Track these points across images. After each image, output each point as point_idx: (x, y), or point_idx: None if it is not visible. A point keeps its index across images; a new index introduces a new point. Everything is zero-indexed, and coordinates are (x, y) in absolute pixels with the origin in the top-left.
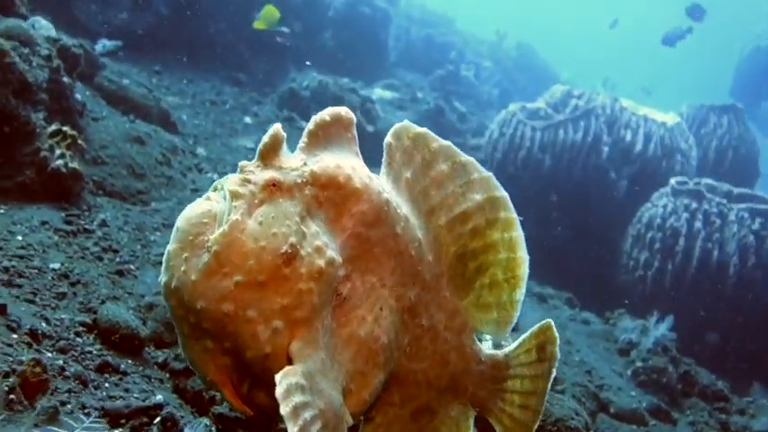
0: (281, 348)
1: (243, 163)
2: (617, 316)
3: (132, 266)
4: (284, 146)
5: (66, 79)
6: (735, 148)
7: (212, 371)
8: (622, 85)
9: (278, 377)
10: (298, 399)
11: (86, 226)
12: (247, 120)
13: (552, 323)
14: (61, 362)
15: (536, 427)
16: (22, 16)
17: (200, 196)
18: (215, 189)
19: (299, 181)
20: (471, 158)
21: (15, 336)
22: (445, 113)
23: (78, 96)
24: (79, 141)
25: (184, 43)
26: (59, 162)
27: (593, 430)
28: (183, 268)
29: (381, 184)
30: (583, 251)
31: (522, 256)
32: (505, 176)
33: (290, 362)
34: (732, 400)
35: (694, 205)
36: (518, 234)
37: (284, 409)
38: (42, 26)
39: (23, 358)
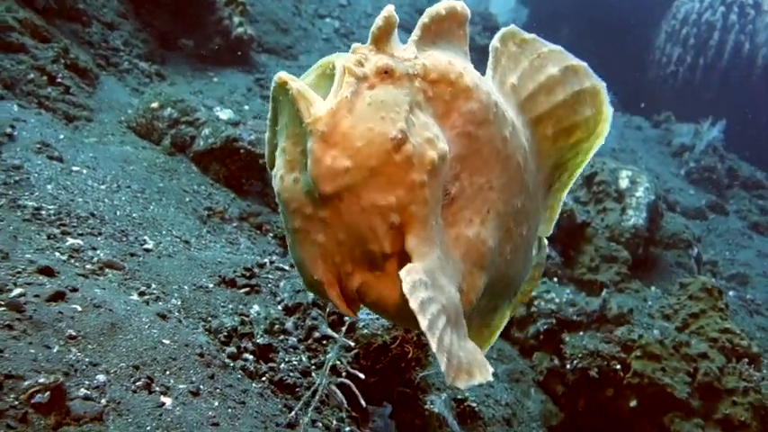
0: (399, 243)
1: (356, 45)
2: (664, 119)
3: None
4: (396, 33)
5: None
6: None
7: (321, 269)
8: None
9: (402, 273)
10: (423, 294)
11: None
12: None
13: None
14: None
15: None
16: None
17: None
18: (325, 67)
19: (411, 72)
20: (584, 64)
21: None
22: None
23: None
24: (248, 7)
25: None
26: (240, 30)
27: (696, 241)
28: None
29: (490, 85)
30: (614, 49)
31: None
32: None
33: (407, 258)
34: None
35: None
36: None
37: (413, 304)
38: None
39: None
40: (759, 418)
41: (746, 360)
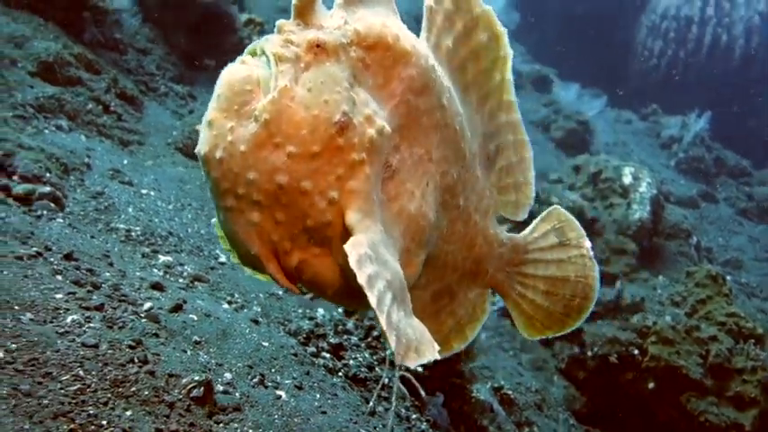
0: (338, 220)
1: (280, 22)
2: (652, 112)
3: None
4: (319, 1)
5: None
6: None
7: (257, 244)
8: None
9: (347, 247)
10: (370, 269)
11: None
12: None
13: (559, 208)
14: None
15: (567, 324)
16: None
17: None
18: (253, 53)
19: (344, 41)
20: (504, 30)
21: None
22: None
23: None
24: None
25: None
26: None
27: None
28: (228, 138)
29: (426, 48)
30: (599, 45)
31: (524, 138)
32: None
33: (348, 234)
34: (753, 174)
35: None
36: (516, 117)
37: (361, 279)
38: None
39: None
40: (767, 394)
41: (753, 341)
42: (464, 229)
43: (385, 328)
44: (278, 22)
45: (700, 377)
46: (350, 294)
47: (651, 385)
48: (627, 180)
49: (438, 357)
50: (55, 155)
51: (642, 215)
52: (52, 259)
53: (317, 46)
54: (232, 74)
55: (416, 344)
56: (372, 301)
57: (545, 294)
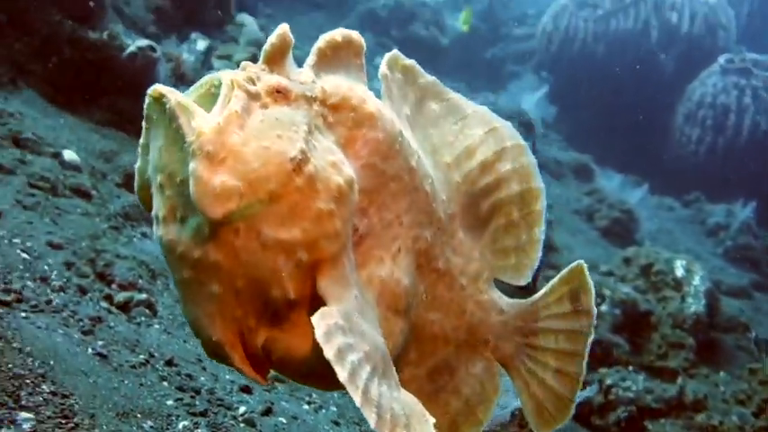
0: (307, 287)
1: (245, 63)
2: (695, 199)
3: None
4: (291, 54)
5: None
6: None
7: (219, 327)
8: None
9: (314, 319)
10: (341, 340)
11: None
12: None
13: (584, 265)
14: None
15: (568, 414)
16: None
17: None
18: (209, 85)
19: (309, 95)
20: (457, 95)
21: None
22: (494, 7)
23: None
24: None
25: None
26: None
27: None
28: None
29: (392, 113)
30: (634, 132)
31: (538, 186)
32: (561, 66)
33: (320, 303)
34: None
35: (743, 82)
36: (530, 161)
37: (328, 352)
38: None
39: None
40: None
41: None
42: (448, 294)
43: (360, 404)
44: (242, 63)
45: None
46: (328, 372)
47: None
48: (679, 273)
49: None
50: (144, 261)
51: (698, 309)
52: (158, 366)
53: (278, 91)
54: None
55: (405, 419)
56: (342, 375)
57: (555, 373)
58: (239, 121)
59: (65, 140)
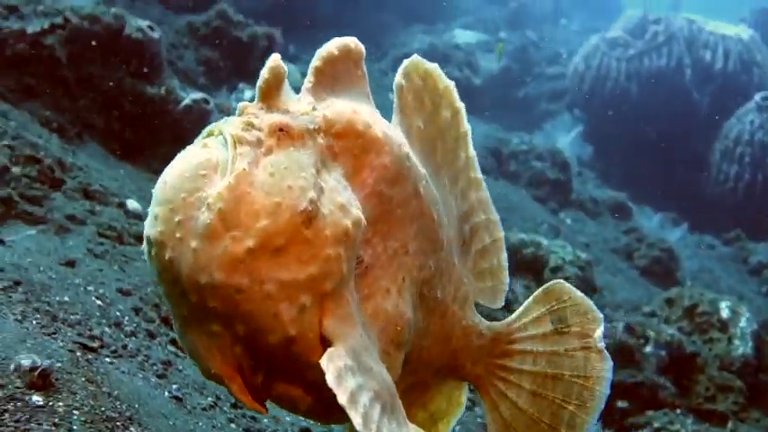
0: (310, 329)
1: (243, 104)
2: (735, 236)
3: None
4: (287, 84)
5: None
6: None
7: (218, 362)
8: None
9: (323, 362)
10: (352, 382)
11: None
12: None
13: (566, 284)
14: None
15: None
16: None
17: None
18: (210, 134)
19: (311, 127)
20: (462, 105)
21: None
22: (528, 48)
23: None
24: None
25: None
26: None
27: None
28: (177, 235)
29: (399, 135)
30: (671, 170)
31: (495, 218)
32: (594, 105)
33: (324, 344)
34: None
35: None
36: (485, 195)
37: (342, 398)
38: None
39: None
40: None
41: None
42: (441, 321)
43: None
44: (239, 104)
45: None
46: (329, 409)
47: None
48: (725, 314)
49: None
50: None
51: (745, 351)
52: (225, 408)
53: (281, 130)
54: (184, 159)
55: None
56: (357, 421)
57: (531, 396)
58: (248, 177)
59: (127, 190)
